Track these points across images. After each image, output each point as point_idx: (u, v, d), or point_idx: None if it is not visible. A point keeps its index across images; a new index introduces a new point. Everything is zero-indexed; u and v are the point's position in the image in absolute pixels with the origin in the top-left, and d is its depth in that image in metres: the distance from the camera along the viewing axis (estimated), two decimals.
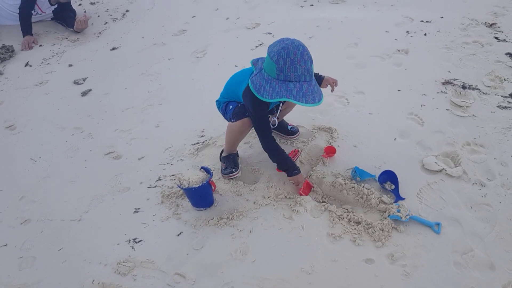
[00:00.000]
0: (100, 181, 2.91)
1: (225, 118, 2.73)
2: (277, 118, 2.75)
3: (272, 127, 2.58)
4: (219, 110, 2.81)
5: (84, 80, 4.29)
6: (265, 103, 2.41)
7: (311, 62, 2.24)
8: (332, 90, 2.87)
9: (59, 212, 2.69)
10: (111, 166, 3.05)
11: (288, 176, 2.58)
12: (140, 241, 2.40)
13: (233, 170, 2.73)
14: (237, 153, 2.86)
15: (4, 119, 3.77)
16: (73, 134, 3.46)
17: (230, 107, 2.64)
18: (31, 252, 2.44)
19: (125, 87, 4.05)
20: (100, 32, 5.39)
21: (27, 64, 4.74)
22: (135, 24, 5.49)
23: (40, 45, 5.15)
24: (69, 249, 2.43)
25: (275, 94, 2.21)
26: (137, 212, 2.61)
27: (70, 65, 4.62)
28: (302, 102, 2.20)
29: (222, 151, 2.86)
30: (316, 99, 2.24)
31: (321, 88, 2.40)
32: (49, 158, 3.22)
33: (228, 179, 2.74)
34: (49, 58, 4.84)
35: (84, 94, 4.03)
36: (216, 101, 2.82)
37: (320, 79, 2.81)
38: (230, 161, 2.76)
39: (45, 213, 2.70)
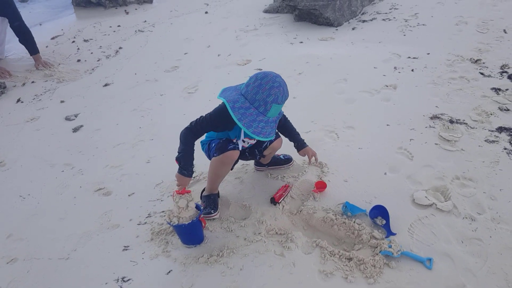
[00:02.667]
0: (89, 218, 2.88)
1: (209, 158, 2.72)
2: (262, 157, 2.83)
3: (237, 149, 2.58)
4: (203, 151, 2.80)
5: (75, 116, 4.31)
6: (226, 118, 2.36)
7: (274, 102, 2.28)
8: (309, 163, 3.01)
9: (47, 251, 2.65)
10: (100, 202, 3.02)
11: (177, 172, 2.49)
12: (128, 279, 2.35)
13: (212, 211, 2.70)
14: (218, 193, 2.85)
15: None
16: (63, 171, 3.45)
17: (213, 144, 2.65)
18: None
19: (117, 123, 4.06)
20: (93, 69, 5.46)
21: (18, 100, 4.77)
22: (128, 60, 5.57)
23: (33, 82, 5.21)
24: None
25: (228, 98, 2.30)
26: (126, 249, 2.57)
27: (62, 101, 4.65)
28: (243, 125, 2.25)
29: (204, 189, 2.85)
30: (260, 133, 2.29)
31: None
32: (38, 195, 3.19)
33: (207, 219, 2.70)
34: (41, 94, 4.87)
35: (75, 130, 4.04)
36: (201, 142, 2.82)
37: (302, 146, 2.93)
38: (211, 201, 2.74)
39: (33, 252, 2.65)
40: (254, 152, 2.82)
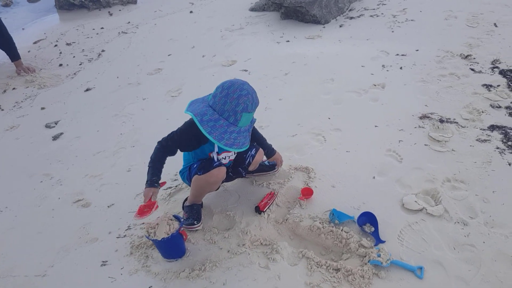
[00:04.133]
0: (67, 231, 2.76)
1: (190, 180, 2.59)
2: (245, 170, 2.73)
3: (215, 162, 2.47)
4: (184, 180, 2.69)
5: (56, 123, 4.18)
6: (197, 133, 2.23)
7: (244, 111, 2.19)
8: (278, 167, 2.97)
9: (23, 267, 2.52)
10: (79, 215, 2.90)
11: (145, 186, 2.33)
12: None
13: (195, 222, 2.58)
14: (202, 204, 2.74)
15: None
16: (41, 181, 3.32)
17: (195, 165, 2.52)
18: None
19: (98, 130, 3.94)
20: (75, 73, 5.33)
21: None
22: (111, 63, 5.44)
23: (14, 88, 5.06)
24: None
25: (196, 111, 2.20)
26: (105, 265, 2.45)
27: (42, 108, 4.52)
28: (214, 138, 2.15)
29: (186, 199, 2.73)
30: (233, 145, 2.20)
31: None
32: (16, 207, 3.07)
33: (189, 230, 2.59)
34: (22, 101, 4.74)
35: (55, 138, 3.91)
36: (180, 172, 2.72)
37: (271, 153, 2.85)
38: (194, 212, 2.62)
39: (9, 269, 2.52)
40: (239, 171, 2.72)
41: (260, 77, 4.52)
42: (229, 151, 2.54)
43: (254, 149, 2.70)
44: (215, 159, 2.48)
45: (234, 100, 2.15)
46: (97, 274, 2.39)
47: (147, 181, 2.33)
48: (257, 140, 2.78)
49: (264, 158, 2.85)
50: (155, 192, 2.33)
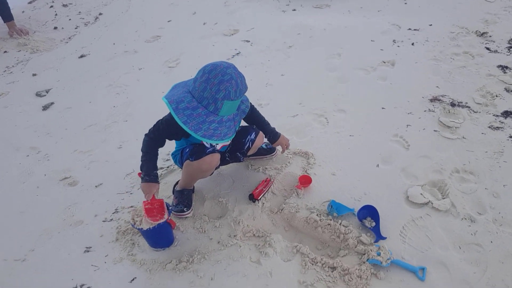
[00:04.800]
0: (51, 212, 2.62)
1: (182, 164, 2.42)
2: (244, 155, 2.54)
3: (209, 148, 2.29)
4: (176, 163, 2.52)
5: (47, 92, 3.99)
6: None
7: (226, 99, 1.95)
8: (282, 152, 2.70)
9: (3, 250, 2.39)
10: (65, 194, 2.76)
11: (141, 183, 2.21)
12: None
13: (185, 209, 2.43)
14: (193, 189, 2.57)
15: None
16: (28, 155, 3.17)
17: (187, 149, 2.33)
18: None
19: (90, 101, 3.76)
20: (69, 38, 5.10)
21: None
22: (107, 28, 5.20)
23: (5, 52, 4.85)
24: None
25: (172, 98, 2.00)
26: (88, 251, 2.32)
27: (34, 75, 4.33)
28: (190, 128, 1.94)
29: (177, 182, 2.57)
30: (212, 136, 1.99)
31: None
32: None
33: (179, 217, 2.44)
34: (13, 66, 4.54)
35: (45, 108, 3.74)
36: (171, 154, 2.54)
37: (274, 137, 2.59)
38: (184, 198, 2.46)
39: None
40: (236, 156, 2.53)
41: (262, 49, 4.28)
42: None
43: (253, 132, 2.50)
44: (207, 145, 2.30)
45: (214, 86, 1.92)
46: (80, 261, 2.27)
47: (145, 175, 2.17)
48: (258, 123, 2.56)
49: (265, 140, 2.66)
50: (158, 189, 2.19)
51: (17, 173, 2.99)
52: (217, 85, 1.91)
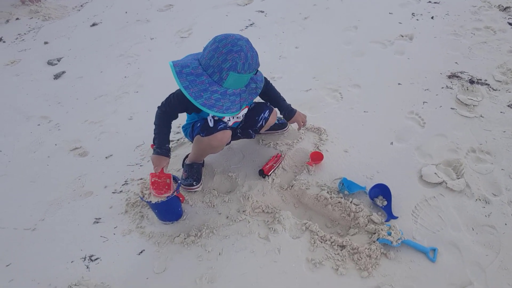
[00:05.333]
0: (61, 182, 2.63)
1: (192, 138, 2.38)
2: (256, 132, 2.48)
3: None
4: (187, 136, 2.46)
5: (58, 60, 3.96)
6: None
7: (232, 70, 1.88)
8: (299, 129, 2.59)
9: (13, 219, 2.42)
10: (75, 164, 2.76)
11: (152, 154, 2.17)
12: (96, 259, 2.12)
13: (194, 183, 2.40)
14: (203, 163, 2.54)
15: None
16: (39, 124, 3.16)
17: (198, 124, 2.28)
18: None
19: (101, 70, 3.72)
20: (82, 5, 5.04)
21: (0, 39, 4.40)
22: None
23: (17, 19, 4.81)
24: (18, 265, 2.16)
25: (178, 62, 1.94)
26: (97, 222, 2.32)
27: (46, 43, 4.29)
28: (190, 94, 1.89)
29: (187, 156, 2.54)
30: (213, 107, 1.92)
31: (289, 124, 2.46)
32: (10, 152, 2.93)
33: (188, 191, 2.42)
34: (25, 33, 4.50)
35: (56, 76, 3.71)
36: (182, 127, 2.49)
37: (290, 113, 2.48)
38: (194, 171, 2.43)
39: None
40: (248, 133, 2.46)
41: (276, 21, 4.17)
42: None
43: (267, 110, 2.43)
44: (210, 119, 2.22)
45: (222, 55, 1.85)
46: (89, 232, 2.28)
47: (156, 147, 2.15)
48: (273, 99, 2.47)
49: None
50: (167, 162, 2.16)
51: (28, 142, 3.00)
52: (225, 54, 1.85)
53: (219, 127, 2.20)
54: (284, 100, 2.49)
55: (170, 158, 2.18)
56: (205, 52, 1.91)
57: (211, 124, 2.20)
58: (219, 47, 1.86)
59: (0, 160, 2.86)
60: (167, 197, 2.08)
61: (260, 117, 2.41)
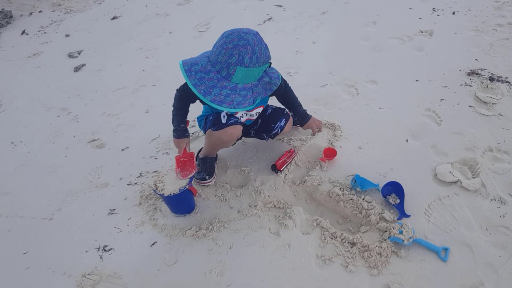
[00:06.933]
0: (78, 173, 2.68)
1: (205, 131, 2.40)
2: (270, 137, 2.47)
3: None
4: (200, 127, 2.48)
5: (79, 53, 4.03)
6: None
7: (239, 64, 1.87)
8: (313, 135, 2.53)
9: (31, 208, 2.48)
10: (92, 156, 2.81)
11: (174, 136, 2.22)
12: (110, 249, 2.17)
13: (207, 177, 2.43)
14: (216, 156, 2.56)
15: None
16: (58, 116, 3.23)
17: (211, 117, 2.30)
18: None
19: (120, 64, 3.77)
20: None
21: (23, 32, 4.50)
22: None
23: (40, 11, 4.89)
24: (35, 253, 2.22)
25: (188, 60, 1.96)
26: (112, 213, 2.37)
27: (67, 35, 4.36)
28: (199, 91, 1.90)
29: (200, 150, 2.56)
30: (223, 103, 1.92)
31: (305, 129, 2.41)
32: (30, 143, 3.01)
33: (201, 185, 2.44)
34: (47, 26, 4.58)
35: (77, 69, 3.78)
36: (197, 117, 2.49)
37: (304, 119, 2.45)
38: (207, 165, 2.46)
39: (17, 208, 2.50)
40: (262, 136, 2.47)
41: (294, 15, 4.16)
42: (249, 110, 2.31)
43: (284, 119, 2.42)
44: (224, 114, 2.24)
45: (228, 50, 1.85)
46: (104, 223, 2.32)
47: (174, 130, 2.19)
48: (289, 102, 2.45)
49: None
50: (188, 142, 2.22)
51: (48, 134, 3.06)
52: (231, 49, 1.85)
53: (230, 122, 2.21)
54: (300, 105, 2.46)
55: (189, 137, 2.23)
56: (214, 49, 1.92)
57: (223, 120, 2.21)
58: (226, 42, 1.86)
59: (20, 151, 2.94)
60: (180, 190, 2.11)
61: (276, 125, 2.41)
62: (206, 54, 2.01)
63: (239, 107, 1.96)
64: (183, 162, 2.20)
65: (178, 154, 2.20)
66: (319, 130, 2.51)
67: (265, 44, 1.94)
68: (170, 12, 4.54)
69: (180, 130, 2.18)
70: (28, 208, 2.49)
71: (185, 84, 2.15)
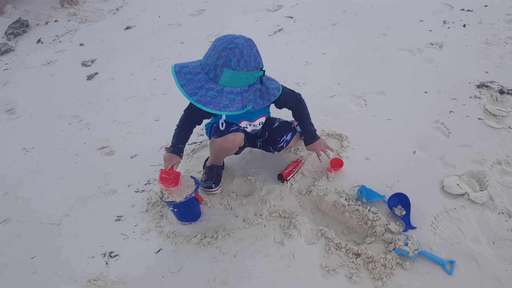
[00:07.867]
0: (88, 180, 2.72)
1: (209, 138, 2.41)
2: (274, 150, 2.48)
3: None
4: (207, 134, 2.49)
5: (92, 62, 4.10)
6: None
7: (225, 66, 1.84)
8: (318, 156, 2.49)
9: (40, 213, 2.52)
10: (102, 163, 2.85)
11: (168, 150, 2.22)
12: (116, 255, 2.19)
13: (213, 185, 2.44)
14: (223, 165, 2.58)
15: (5, 102, 3.65)
16: (70, 123, 3.28)
17: (215, 125, 2.31)
18: (3, 258, 2.28)
19: (132, 72, 3.83)
20: (117, 9, 5.19)
21: (39, 41, 4.60)
22: (154, 0, 5.22)
23: (56, 21, 4.99)
24: (42, 258, 2.25)
25: (180, 63, 1.96)
26: (119, 220, 2.39)
27: (81, 44, 4.44)
28: (186, 92, 1.87)
29: (207, 159, 2.59)
30: (208, 104, 1.88)
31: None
32: (42, 149, 3.06)
33: (207, 193, 2.46)
34: (62, 35, 4.68)
35: (89, 78, 3.85)
36: (205, 125, 2.50)
37: (310, 140, 2.44)
38: (213, 174, 2.47)
39: (26, 213, 2.54)
40: (268, 148, 2.49)
41: (305, 26, 4.19)
42: (251, 120, 2.34)
43: (290, 133, 2.43)
44: (222, 121, 2.23)
45: (217, 52, 1.85)
46: (110, 229, 2.35)
47: (171, 146, 2.21)
48: (300, 118, 2.44)
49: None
50: (178, 161, 2.20)
51: (59, 140, 3.12)
52: (220, 52, 1.84)
53: (231, 129, 2.22)
54: (311, 125, 2.44)
55: (181, 158, 2.22)
56: (206, 53, 1.94)
57: (222, 127, 2.22)
58: (216, 46, 1.87)
59: (32, 156, 2.99)
60: (186, 198, 2.13)
61: (282, 139, 2.42)
62: (200, 59, 2.03)
63: (225, 110, 1.92)
64: (166, 179, 2.14)
65: (163, 168, 2.16)
66: (324, 151, 2.47)
67: (256, 50, 1.94)
68: (182, 23, 4.61)
69: (176, 147, 2.20)
70: (37, 213, 2.53)
71: (191, 103, 2.16)
